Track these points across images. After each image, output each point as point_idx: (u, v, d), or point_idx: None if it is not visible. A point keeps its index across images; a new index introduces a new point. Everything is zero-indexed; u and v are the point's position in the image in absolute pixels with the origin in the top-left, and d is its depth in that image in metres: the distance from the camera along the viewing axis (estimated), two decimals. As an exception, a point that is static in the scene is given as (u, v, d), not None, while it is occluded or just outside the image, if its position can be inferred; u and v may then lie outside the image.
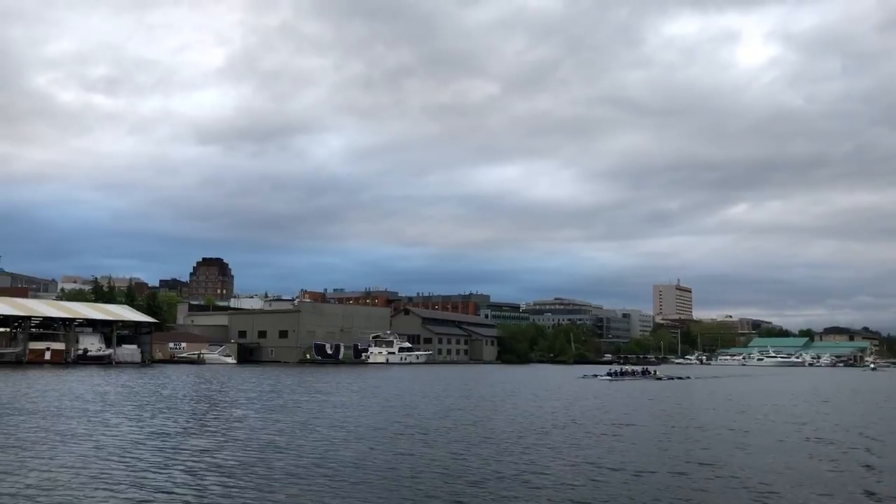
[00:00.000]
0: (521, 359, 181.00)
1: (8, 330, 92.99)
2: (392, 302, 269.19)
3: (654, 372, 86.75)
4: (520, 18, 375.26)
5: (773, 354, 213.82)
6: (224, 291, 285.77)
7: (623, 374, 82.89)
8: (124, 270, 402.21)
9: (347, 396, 44.42)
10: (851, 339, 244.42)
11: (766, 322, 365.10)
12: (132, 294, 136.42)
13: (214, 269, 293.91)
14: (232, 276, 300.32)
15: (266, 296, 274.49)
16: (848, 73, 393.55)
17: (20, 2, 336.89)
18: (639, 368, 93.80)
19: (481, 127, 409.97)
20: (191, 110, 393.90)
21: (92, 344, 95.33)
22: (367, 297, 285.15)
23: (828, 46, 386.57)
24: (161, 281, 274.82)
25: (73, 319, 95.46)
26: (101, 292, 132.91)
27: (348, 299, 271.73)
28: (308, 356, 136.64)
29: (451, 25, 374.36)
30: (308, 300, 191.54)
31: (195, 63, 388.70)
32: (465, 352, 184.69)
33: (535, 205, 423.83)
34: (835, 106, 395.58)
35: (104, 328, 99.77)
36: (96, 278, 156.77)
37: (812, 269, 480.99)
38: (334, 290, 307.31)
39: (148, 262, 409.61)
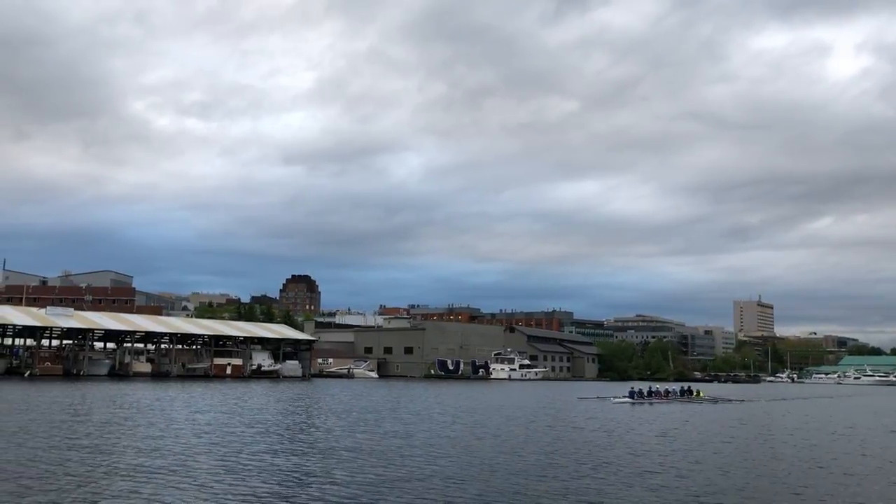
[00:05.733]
0: (622, 375, 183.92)
1: (194, 347, 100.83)
2: (475, 318, 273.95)
3: (698, 392, 69.81)
4: (602, 37, 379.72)
5: (871, 373, 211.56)
6: (312, 307, 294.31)
7: (651, 394, 63.27)
8: (207, 286, 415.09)
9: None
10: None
11: (852, 339, 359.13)
12: (271, 313, 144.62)
13: (303, 286, 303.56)
14: (319, 293, 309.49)
15: (349, 311, 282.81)
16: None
17: (127, 34, 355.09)
18: (676, 387, 72.05)
19: (559, 143, 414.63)
20: (278, 132, 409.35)
21: (264, 360, 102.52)
22: (451, 314, 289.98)
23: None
24: (252, 297, 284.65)
25: (251, 338, 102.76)
26: (241, 311, 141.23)
27: (432, 315, 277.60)
28: (432, 371, 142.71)
29: (532, 45, 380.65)
30: (408, 318, 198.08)
31: (285, 87, 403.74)
32: (568, 369, 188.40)
33: (611, 220, 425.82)
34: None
35: (269, 345, 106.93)
36: (239, 298, 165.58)
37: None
38: (411, 305, 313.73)
39: (229, 279, 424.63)
